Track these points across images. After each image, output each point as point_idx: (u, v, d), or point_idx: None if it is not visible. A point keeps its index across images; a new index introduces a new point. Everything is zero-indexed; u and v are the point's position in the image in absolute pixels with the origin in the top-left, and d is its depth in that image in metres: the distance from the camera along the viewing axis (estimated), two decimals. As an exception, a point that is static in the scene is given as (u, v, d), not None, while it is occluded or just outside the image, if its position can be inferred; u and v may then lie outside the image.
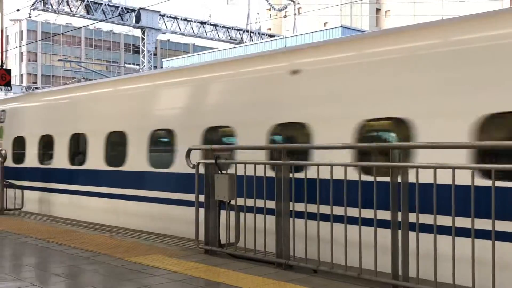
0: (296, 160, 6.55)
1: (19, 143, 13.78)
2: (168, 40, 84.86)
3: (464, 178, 4.58)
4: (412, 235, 4.80)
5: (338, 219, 5.36)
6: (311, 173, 5.78)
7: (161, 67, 48.84)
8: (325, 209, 5.50)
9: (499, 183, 4.45)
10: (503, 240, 4.46)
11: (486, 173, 5.19)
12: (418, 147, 6.07)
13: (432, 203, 4.66)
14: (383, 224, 4.98)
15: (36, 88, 60.11)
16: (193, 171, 6.83)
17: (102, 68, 64.78)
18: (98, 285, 5.46)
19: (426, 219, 4.74)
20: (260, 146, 7.98)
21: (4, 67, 18.64)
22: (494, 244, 4.28)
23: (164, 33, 49.44)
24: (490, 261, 4.27)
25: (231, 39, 51.57)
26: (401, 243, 4.86)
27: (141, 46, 46.82)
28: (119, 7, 44.25)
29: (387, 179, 4.97)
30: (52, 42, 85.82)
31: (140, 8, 44.47)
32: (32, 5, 39.24)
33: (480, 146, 5.57)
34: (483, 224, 4.52)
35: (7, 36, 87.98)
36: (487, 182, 4.41)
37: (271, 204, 6.01)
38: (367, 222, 5.13)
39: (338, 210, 5.36)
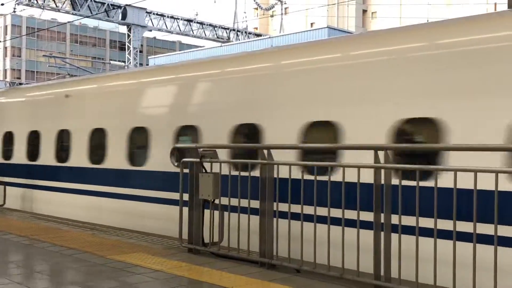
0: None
1: None
2: (155, 38, 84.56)
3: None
4: (394, 236, 4.84)
5: (322, 219, 5.39)
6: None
7: (147, 65, 48.62)
8: (309, 210, 5.53)
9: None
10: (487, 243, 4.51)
11: None
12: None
13: (415, 205, 4.71)
14: (366, 225, 5.02)
15: (20, 83, 59.49)
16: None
17: (87, 64, 64.25)
18: (80, 283, 5.42)
19: (409, 221, 4.79)
20: (246, 146, 8.00)
21: (-13, 62, 18.47)
22: (476, 247, 4.33)
23: (151, 30, 49.27)
24: (470, 262, 4.33)
25: (217, 37, 51.49)
26: (383, 244, 4.90)
27: (127, 43, 46.58)
28: (105, 3, 43.97)
29: (371, 180, 5.01)
30: (37, 37, 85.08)
31: (127, 5, 44.21)
32: (17, -1, 38.89)
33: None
34: (465, 226, 4.57)
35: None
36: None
37: (256, 203, 6.02)
38: (351, 223, 5.16)
39: (322, 211, 5.40)
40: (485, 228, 4.53)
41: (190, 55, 42.64)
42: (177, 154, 8.39)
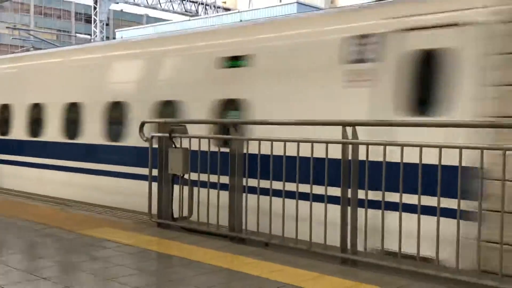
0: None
1: None
2: (121, 10, 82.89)
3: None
4: (361, 210, 4.97)
5: (291, 194, 5.48)
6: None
7: (114, 38, 47.77)
8: (278, 185, 5.62)
9: None
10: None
11: None
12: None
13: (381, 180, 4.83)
14: (333, 200, 5.13)
15: (-18, 55, 57.85)
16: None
17: (52, 37, 62.73)
18: (50, 258, 5.42)
19: (375, 195, 4.92)
20: (214, 121, 8.04)
21: None
22: (439, 219, 4.50)
23: (117, 2, 48.30)
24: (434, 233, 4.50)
25: (186, 11, 50.84)
26: (350, 218, 5.03)
27: (93, 16, 45.65)
28: (70, -26, 42.94)
29: (339, 156, 5.11)
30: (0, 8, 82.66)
31: (93, -24, 43.27)
32: (-22, -32, 37.64)
33: None
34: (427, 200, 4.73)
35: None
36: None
37: (225, 178, 6.08)
38: (319, 198, 5.27)
39: (291, 186, 5.49)
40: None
41: (157, 29, 42.00)
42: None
